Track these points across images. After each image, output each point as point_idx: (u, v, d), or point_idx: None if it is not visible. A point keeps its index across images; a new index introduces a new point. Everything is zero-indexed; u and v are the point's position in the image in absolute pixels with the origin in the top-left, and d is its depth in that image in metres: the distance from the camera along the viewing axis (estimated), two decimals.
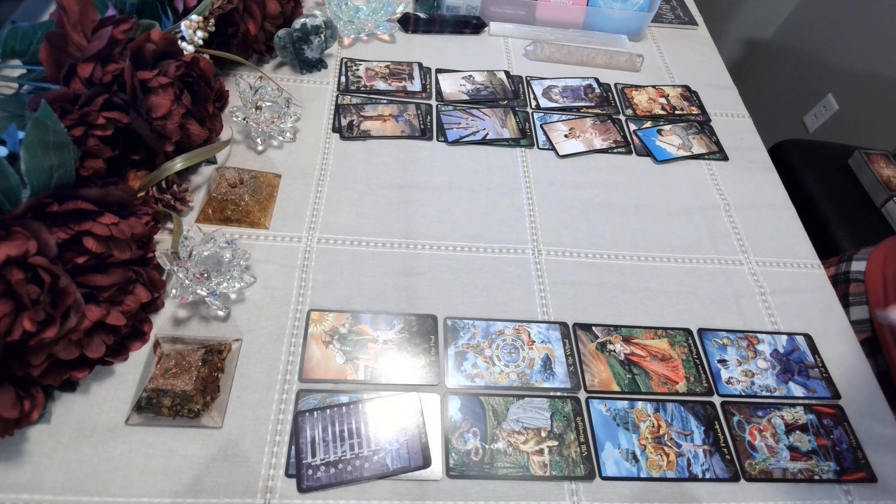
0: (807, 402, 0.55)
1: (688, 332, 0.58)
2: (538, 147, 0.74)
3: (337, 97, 0.75)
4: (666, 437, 0.51)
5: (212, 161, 0.63)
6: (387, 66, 0.80)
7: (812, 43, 1.74)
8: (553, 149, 0.74)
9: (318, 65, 0.77)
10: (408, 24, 0.86)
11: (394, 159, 0.69)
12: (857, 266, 0.73)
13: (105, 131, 0.48)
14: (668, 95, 0.84)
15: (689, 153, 0.76)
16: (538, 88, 0.82)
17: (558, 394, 0.52)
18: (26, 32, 0.55)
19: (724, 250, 0.66)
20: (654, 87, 0.85)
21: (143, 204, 0.49)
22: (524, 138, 0.74)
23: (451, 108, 0.76)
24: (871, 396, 0.56)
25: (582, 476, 0.48)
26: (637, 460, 0.49)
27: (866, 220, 1.12)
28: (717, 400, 0.54)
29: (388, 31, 0.84)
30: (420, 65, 0.81)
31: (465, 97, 0.78)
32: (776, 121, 1.87)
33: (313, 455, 0.46)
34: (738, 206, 0.71)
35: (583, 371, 0.54)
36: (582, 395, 0.52)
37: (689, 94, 0.85)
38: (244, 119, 0.64)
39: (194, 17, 0.61)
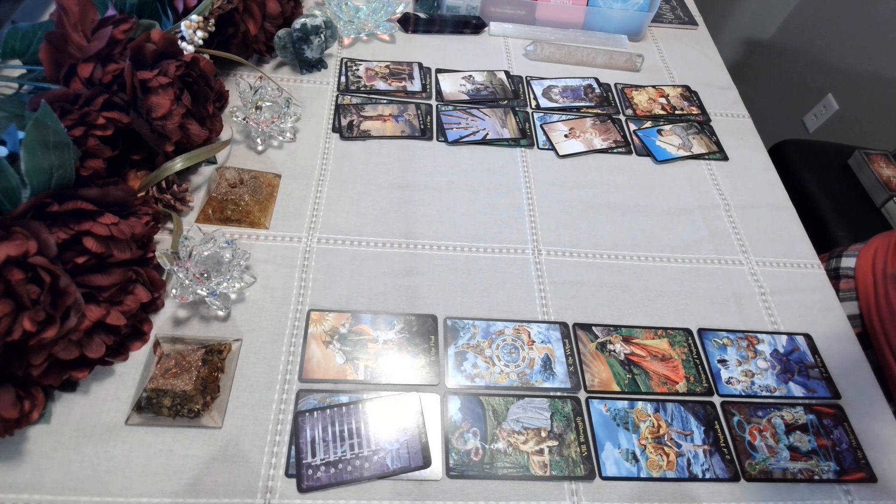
0: (807, 402, 0.55)
1: (688, 332, 0.58)
2: (538, 147, 0.74)
3: (337, 97, 0.75)
4: (666, 437, 0.51)
5: (212, 161, 0.63)
6: (387, 66, 0.80)
7: (812, 43, 1.74)
8: (553, 149, 0.74)
9: (318, 65, 0.77)
10: (408, 24, 0.86)
11: (394, 159, 0.69)
12: (848, 262, 0.73)
13: (105, 131, 0.48)
14: (668, 95, 0.84)
15: (689, 153, 0.76)
16: (538, 88, 0.82)
17: (558, 394, 0.52)
18: (26, 32, 0.55)
19: (724, 250, 0.66)
20: (654, 87, 0.85)
21: (143, 204, 0.49)
22: (524, 138, 0.74)
23: (451, 108, 0.76)
24: (871, 396, 0.56)
25: (582, 476, 0.48)
26: (637, 460, 0.49)
27: (866, 220, 1.12)
28: (717, 400, 0.54)
29: (388, 31, 0.84)
30: (420, 65, 0.81)
31: (465, 97, 0.78)
32: (776, 121, 1.87)
33: (313, 455, 0.46)
34: (738, 206, 0.71)
35: (583, 371, 0.54)
36: (582, 395, 0.52)
37: (689, 94, 0.85)
38: (244, 119, 0.64)
39: (194, 17, 0.61)
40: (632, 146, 0.76)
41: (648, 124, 0.79)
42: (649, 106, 0.82)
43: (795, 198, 0.74)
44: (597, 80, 0.84)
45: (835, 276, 0.73)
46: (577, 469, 0.48)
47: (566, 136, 0.75)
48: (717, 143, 0.78)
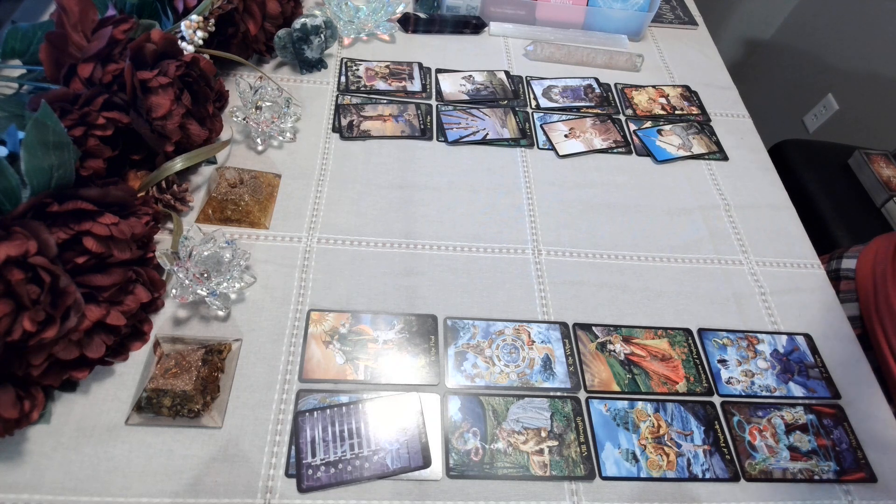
0: (807, 402, 0.55)
1: (688, 332, 0.58)
2: (538, 147, 0.74)
3: (337, 97, 0.75)
4: (666, 437, 0.51)
5: (212, 161, 0.63)
6: (387, 66, 0.80)
7: (812, 43, 1.74)
8: (553, 149, 0.74)
9: (318, 65, 0.77)
10: (408, 24, 0.86)
11: (394, 159, 0.69)
12: (848, 264, 0.73)
13: (105, 131, 0.48)
14: (668, 95, 0.84)
15: (689, 153, 0.76)
16: (538, 88, 0.82)
17: (558, 394, 0.52)
18: (26, 32, 0.55)
19: (724, 250, 0.66)
20: (654, 87, 0.85)
21: (143, 204, 0.49)
22: (524, 138, 0.74)
23: (451, 108, 0.76)
24: (871, 396, 0.56)
25: (582, 476, 0.48)
26: (637, 460, 0.49)
27: (866, 220, 1.12)
28: (717, 400, 0.54)
29: (388, 31, 0.84)
30: (420, 65, 0.81)
31: (465, 97, 0.78)
32: (776, 121, 1.87)
33: (313, 455, 0.46)
34: (738, 206, 0.71)
35: (583, 371, 0.54)
36: (582, 395, 0.52)
37: (689, 94, 0.85)
38: (244, 119, 0.64)
39: (194, 17, 0.61)
40: (632, 146, 0.76)
41: (648, 124, 0.79)
42: (649, 106, 0.82)
43: (795, 198, 0.74)
44: (597, 80, 0.84)
45: (835, 277, 0.73)
46: (577, 469, 0.48)
47: (566, 136, 0.75)
48: (717, 143, 0.78)
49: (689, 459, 0.50)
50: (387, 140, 0.71)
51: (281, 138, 0.68)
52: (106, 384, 0.47)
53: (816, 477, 0.50)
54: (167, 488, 0.43)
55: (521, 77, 0.83)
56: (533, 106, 0.79)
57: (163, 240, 0.56)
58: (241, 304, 0.54)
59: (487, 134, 0.73)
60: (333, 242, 0.60)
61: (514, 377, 0.53)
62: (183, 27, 0.60)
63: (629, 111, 0.81)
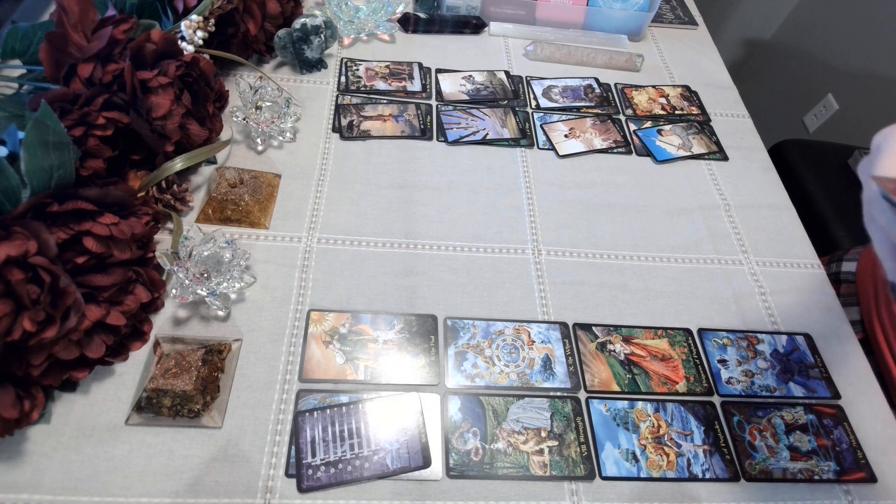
0: (807, 402, 0.55)
1: (688, 332, 0.58)
2: (538, 147, 0.74)
3: (337, 97, 0.75)
4: (666, 437, 0.51)
5: (212, 161, 0.63)
6: (387, 66, 0.80)
7: (812, 43, 1.74)
8: (553, 149, 0.74)
9: (318, 65, 0.77)
10: (408, 24, 0.86)
11: (394, 159, 0.69)
12: (848, 266, 0.72)
13: (105, 131, 0.48)
14: (668, 95, 0.84)
15: (689, 153, 0.76)
16: (538, 88, 0.82)
17: (558, 394, 0.52)
18: (26, 32, 0.55)
19: (724, 250, 0.66)
20: (654, 87, 0.85)
21: (143, 204, 0.49)
22: (524, 138, 0.74)
23: (451, 108, 0.76)
24: (871, 396, 0.56)
25: (582, 476, 0.48)
26: (637, 460, 0.49)
27: None
28: (717, 400, 0.54)
29: (388, 31, 0.84)
30: (420, 65, 0.81)
31: (465, 97, 0.78)
32: (776, 121, 1.87)
33: (313, 455, 0.46)
34: (738, 206, 0.71)
35: (583, 371, 0.54)
36: (582, 395, 0.52)
37: (689, 94, 0.85)
38: (244, 119, 0.64)
39: (194, 17, 0.61)
40: (632, 146, 0.76)
41: (648, 124, 0.79)
42: (649, 106, 0.82)
43: (795, 198, 0.74)
44: (597, 80, 0.84)
45: (835, 280, 0.72)
46: (577, 469, 0.48)
47: (566, 136, 0.75)
48: (717, 143, 0.78)
49: (689, 459, 0.50)
50: (387, 140, 0.71)
51: (281, 138, 0.68)
52: (106, 384, 0.47)
53: (816, 477, 0.50)
54: (167, 488, 0.43)
55: (521, 77, 0.83)
56: (533, 106, 0.79)
57: (163, 240, 0.56)
58: (241, 304, 0.54)
59: (487, 134, 0.73)
60: (333, 242, 0.60)
61: (514, 377, 0.53)
62: (183, 27, 0.60)
63: (629, 111, 0.81)
